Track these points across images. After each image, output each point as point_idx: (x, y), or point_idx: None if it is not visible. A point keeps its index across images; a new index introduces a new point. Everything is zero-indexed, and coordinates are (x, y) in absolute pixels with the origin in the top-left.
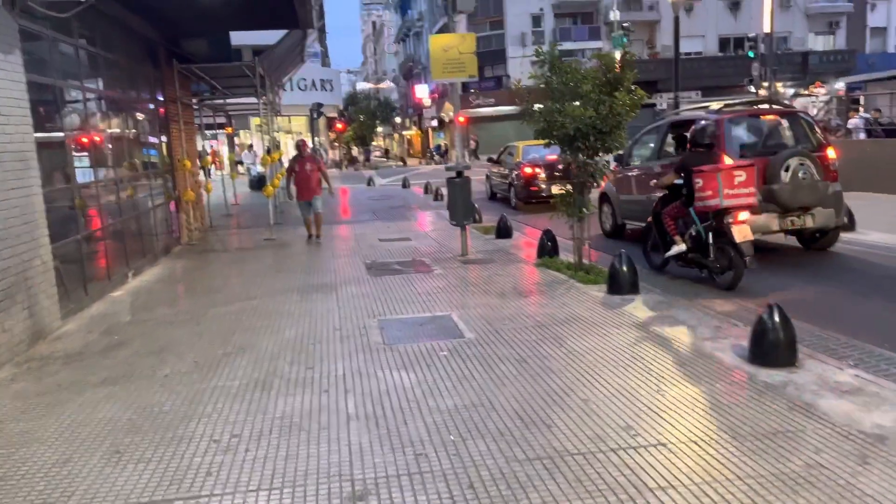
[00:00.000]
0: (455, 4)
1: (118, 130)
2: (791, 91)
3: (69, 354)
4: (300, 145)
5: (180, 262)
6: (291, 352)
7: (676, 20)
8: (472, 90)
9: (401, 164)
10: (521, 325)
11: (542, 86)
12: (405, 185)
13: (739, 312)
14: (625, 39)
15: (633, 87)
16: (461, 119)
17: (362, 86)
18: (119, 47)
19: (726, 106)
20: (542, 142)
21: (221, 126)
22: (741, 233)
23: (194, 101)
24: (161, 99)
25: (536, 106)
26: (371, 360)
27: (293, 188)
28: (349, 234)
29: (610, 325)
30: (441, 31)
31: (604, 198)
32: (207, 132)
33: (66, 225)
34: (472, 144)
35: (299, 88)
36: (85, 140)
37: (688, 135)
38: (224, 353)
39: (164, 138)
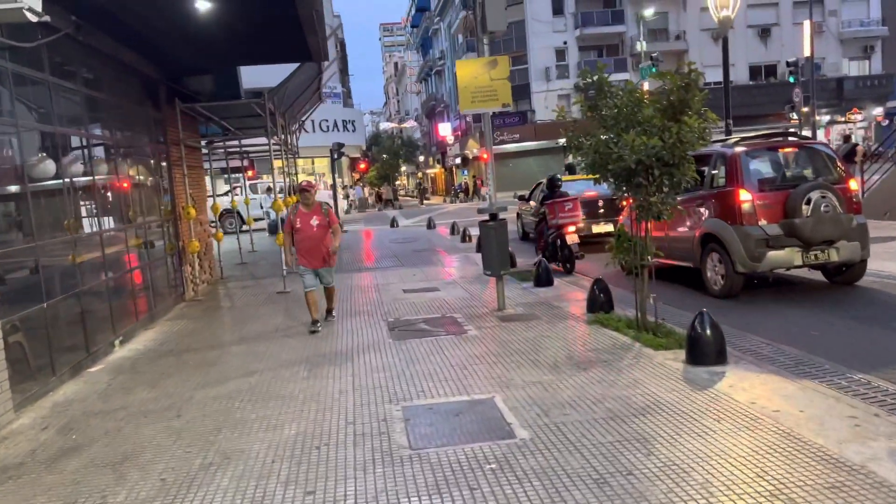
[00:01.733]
0: (485, 24)
1: (106, 177)
2: (826, 118)
3: (6, 467)
4: (304, 189)
5: (180, 323)
6: (289, 462)
7: (725, 44)
8: (496, 125)
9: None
10: (589, 417)
11: (588, 114)
12: (430, 225)
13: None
14: (653, 69)
15: (703, 110)
16: (484, 156)
17: (385, 125)
18: (112, 86)
19: (742, 140)
20: (578, 177)
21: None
22: (570, 238)
23: (203, 143)
24: (161, 141)
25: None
26: (393, 477)
27: (293, 251)
28: (370, 283)
29: (709, 417)
30: None
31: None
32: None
33: (29, 290)
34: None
35: (321, 129)
36: (69, 190)
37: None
38: (202, 466)
39: (164, 184)
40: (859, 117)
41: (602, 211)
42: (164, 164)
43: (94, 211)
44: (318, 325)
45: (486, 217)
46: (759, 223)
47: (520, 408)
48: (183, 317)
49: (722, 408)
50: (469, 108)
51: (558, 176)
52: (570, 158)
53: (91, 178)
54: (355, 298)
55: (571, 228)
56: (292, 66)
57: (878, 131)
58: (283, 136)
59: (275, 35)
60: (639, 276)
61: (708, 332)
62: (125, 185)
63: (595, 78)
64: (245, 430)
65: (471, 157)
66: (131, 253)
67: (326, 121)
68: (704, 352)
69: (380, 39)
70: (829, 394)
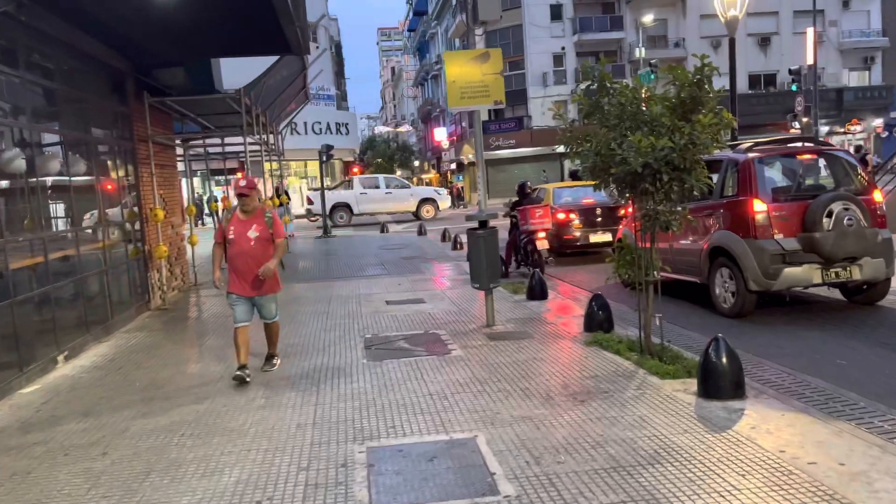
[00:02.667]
0: (476, 14)
1: (57, 176)
2: (826, 129)
3: None
4: (242, 193)
5: (138, 335)
6: None
7: (732, 47)
8: (492, 131)
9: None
10: (588, 467)
11: (586, 121)
12: (421, 231)
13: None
14: (652, 77)
15: (718, 108)
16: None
17: (380, 129)
18: (68, 75)
19: (756, 144)
20: (575, 183)
21: (234, 171)
22: (541, 244)
23: (177, 141)
24: (127, 137)
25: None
26: None
27: (221, 269)
28: (351, 292)
29: (732, 471)
30: None
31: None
32: (219, 178)
33: None
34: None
35: (314, 132)
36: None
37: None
38: None
39: (130, 182)
40: (859, 128)
41: (600, 220)
42: (129, 162)
43: (39, 212)
44: (247, 372)
45: (475, 224)
46: (775, 237)
47: (506, 451)
48: (143, 328)
49: (746, 457)
50: (458, 105)
51: (527, 182)
52: (572, 163)
53: (35, 176)
54: (333, 310)
55: (541, 234)
56: (277, 62)
57: (876, 143)
58: (263, 136)
59: (249, 25)
60: (642, 291)
61: (724, 361)
62: (80, 184)
63: (597, 73)
64: (177, 476)
65: (466, 161)
66: (84, 258)
67: (319, 123)
68: (720, 384)
69: (377, 44)
70: (870, 441)
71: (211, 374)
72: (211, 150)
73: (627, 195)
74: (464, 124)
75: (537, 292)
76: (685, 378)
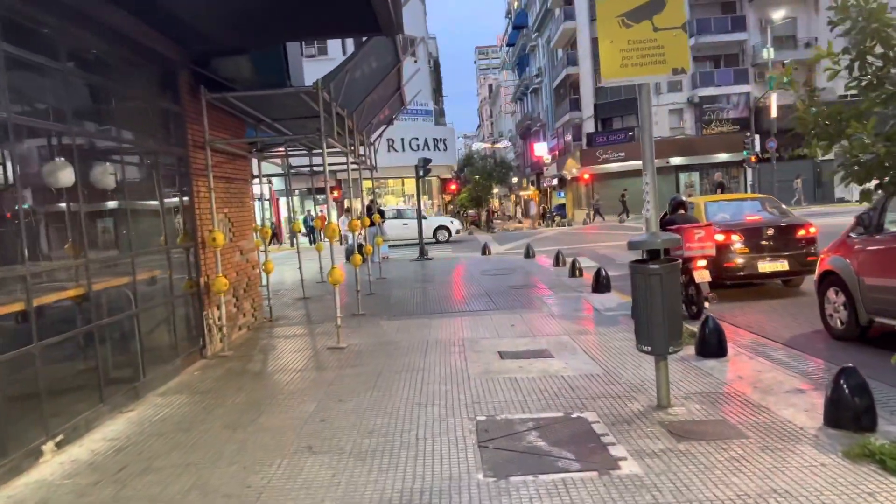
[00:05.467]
0: None
1: (78, 190)
2: None
3: None
4: None
5: (175, 401)
6: None
7: None
8: (599, 143)
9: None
10: None
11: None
12: (528, 254)
13: None
14: (785, 79)
15: None
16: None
17: (478, 146)
18: (103, 67)
19: None
20: (731, 196)
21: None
22: (700, 276)
23: (254, 149)
24: (179, 143)
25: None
26: None
27: None
28: (453, 336)
29: None
30: (561, 84)
31: (831, 279)
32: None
33: None
34: (596, 199)
35: (411, 148)
36: None
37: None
38: None
39: (182, 200)
40: None
41: (770, 243)
42: (180, 173)
43: (32, 237)
44: None
45: (641, 255)
46: None
47: None
48: (186, 388)
49: None
50: (616, 76)
51: (682, 197)
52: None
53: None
54: (430, 365)
55: (702, 262)
56: (363, 48)
57: None
58: (351, 144)
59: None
60: None
61: None
62: (118, 200)
63: (871, 5)
64: None
65: (569, 177)
66: (105, 296)
67: (417, 139)
68: None
69: (475, 62)
70: None
71: (245, 485)
72: (296, 162)
73: None
74: (567, 138)
75: (713, 347)
76: None
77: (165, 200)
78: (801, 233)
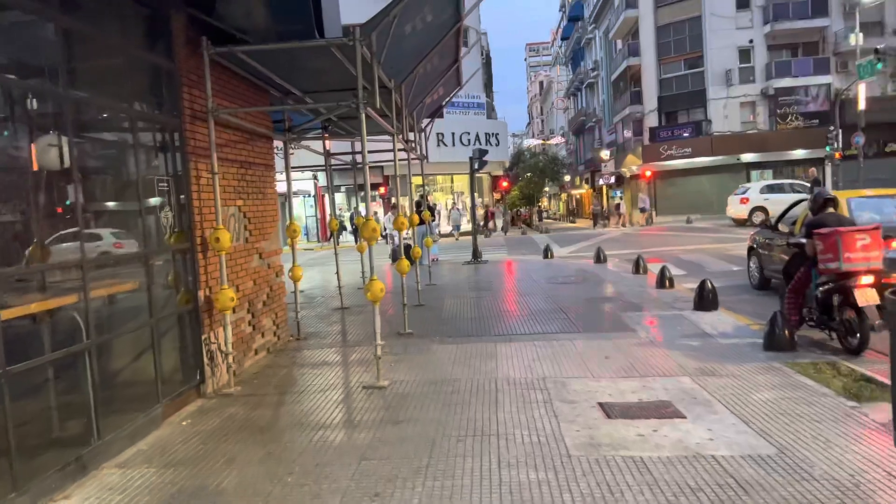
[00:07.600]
0: None
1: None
2: None
3: None
4: None
5: (137, 480)
6: None
7: None
8: (662, 138)
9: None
10: None
11: None
12: (600, 258)
13: None
14: (879, 66)
15: None
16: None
17: (530, 142)
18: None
19: None
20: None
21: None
22: (863, 297)
23: (284, 131)
24: (171, 112)
25: None
26: None
27: None
28: (529, 374)
29: None
30: (620, 76)
31: None
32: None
33: None
34: (645, 203)
35: (461, 143)
36: None
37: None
38: None
39: (175, 187)
40: None
41: None
42: (171, 151)
43: None
44: None
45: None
46: None
47: None
48: (157, 455)
49: None
50: None
51: (829, 192)
52: None
53: None
54: (505, 429)
55: (867, 279)
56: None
57: None
58: (398, 124)
59: None
60: None
61: None
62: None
63: None
64: None
65: (628, 175)
66: (19, 328)
67: (468, 133)
68: None
69: (525, 60)
70: None
71: None
72: (337, 150)
73: None
74: (626, 133)
75: None
76: None
77: (147, 188)
78: None
